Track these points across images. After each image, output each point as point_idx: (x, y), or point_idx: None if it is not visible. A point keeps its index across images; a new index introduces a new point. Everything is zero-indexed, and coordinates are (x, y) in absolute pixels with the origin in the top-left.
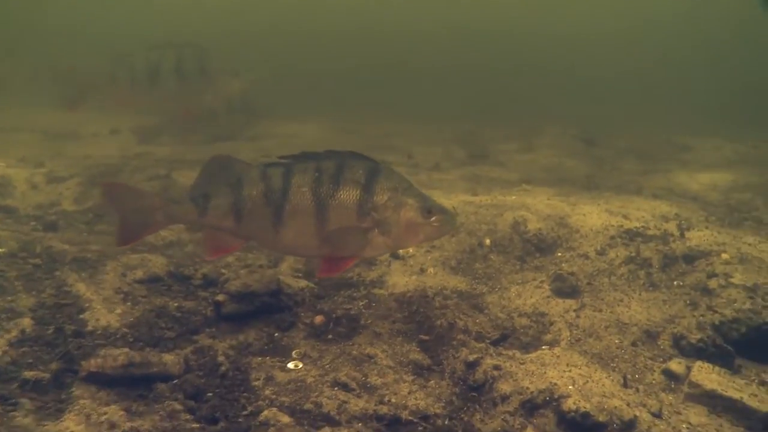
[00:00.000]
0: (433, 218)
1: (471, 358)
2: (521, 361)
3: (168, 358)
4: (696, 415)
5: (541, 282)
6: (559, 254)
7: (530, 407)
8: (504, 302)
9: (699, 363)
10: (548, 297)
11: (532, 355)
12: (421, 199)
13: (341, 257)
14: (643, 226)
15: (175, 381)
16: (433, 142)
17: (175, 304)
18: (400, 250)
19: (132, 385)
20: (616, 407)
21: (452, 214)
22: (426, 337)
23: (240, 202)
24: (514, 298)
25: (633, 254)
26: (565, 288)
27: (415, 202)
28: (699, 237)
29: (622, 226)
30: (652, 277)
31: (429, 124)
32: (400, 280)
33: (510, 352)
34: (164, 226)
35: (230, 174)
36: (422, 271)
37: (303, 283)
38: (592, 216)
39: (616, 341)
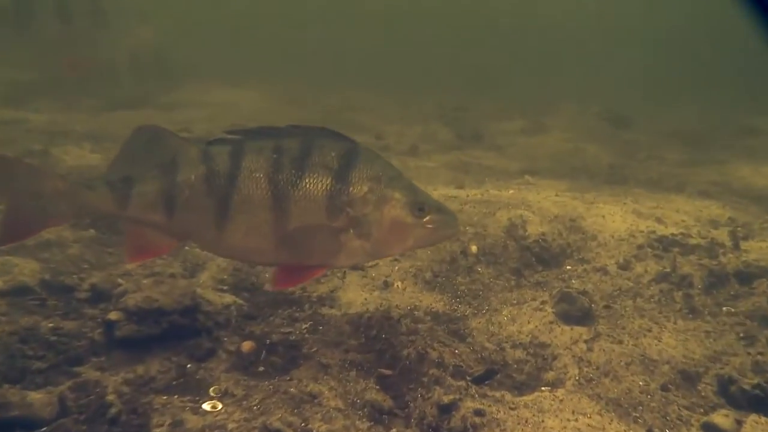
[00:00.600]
0: (427, 218)
1: (446, 399)
2: (512, 406)
3: (35, 397)
4: None
5: (543, 303)
6: (569, 267)
7: None
8: (493, 328)
9: (754, 417)
10: (552, 323)
11: (528, 398)
12: (412, 192)
13: (305, 265)
14: (682, 233)
15: (44, 429)
16: (410, 118)
17: (50, 325)
18: None
19: None
20: None
21: (452, 214)
22: (388, 372)
23: (173, 189)
24: (506, 324)
25: (667, 270)
26: (574, 311)
27: (403, 197)
28: (760, 249)
29: (654, 232)
30: (692, 301)
31: (406, 95)
32: (357, 296)
33: (498, 394)
34: (69, 219)
35: (162, 152)
36: (387, 285)
37: (228, 298)
38: (615, 218)
39: (641, 383)
